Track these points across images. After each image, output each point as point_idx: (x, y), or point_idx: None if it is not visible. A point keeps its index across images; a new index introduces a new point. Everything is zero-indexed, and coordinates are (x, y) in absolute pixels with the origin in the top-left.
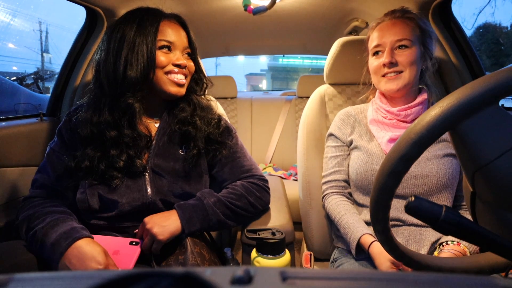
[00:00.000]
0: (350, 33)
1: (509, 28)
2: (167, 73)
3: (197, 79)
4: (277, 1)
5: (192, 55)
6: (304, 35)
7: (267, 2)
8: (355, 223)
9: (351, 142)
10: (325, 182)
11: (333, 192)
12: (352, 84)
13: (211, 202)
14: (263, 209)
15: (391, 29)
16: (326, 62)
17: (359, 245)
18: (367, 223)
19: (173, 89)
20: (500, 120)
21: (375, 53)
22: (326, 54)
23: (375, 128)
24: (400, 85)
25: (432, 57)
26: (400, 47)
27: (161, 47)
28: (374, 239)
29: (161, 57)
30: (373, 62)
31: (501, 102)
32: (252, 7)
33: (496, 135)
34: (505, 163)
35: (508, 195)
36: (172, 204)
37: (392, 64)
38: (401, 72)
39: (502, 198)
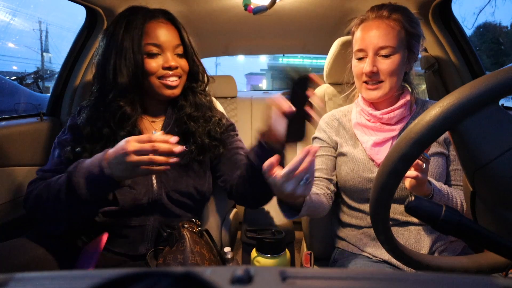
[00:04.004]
0: (350, 33)
1: (509, 28)
2: (160, 77)
3: (195, 77)
4: (277, 1)
5: (186, 53)
6: (304, 34)
7: (267, 2)
8: None
9: (336, 144)
10: None
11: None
12: (352, 83)
13: None
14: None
15: (375, 33)
16: (326, 61)
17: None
18: (361, 227)
19: (167, 92)
20: (500, 119)
21: (358, 57)
22: (326, 53)
23: (359, 132)
24: (380, 94)
25: (417, 59)
26: (382, 55)
27: (150, 54)
28: None
29: (151, 63)
30: (356, 66)
31: (501, 101)
32: (252, 6)
33: (496, 135)
34: (505, 162)
35: (508, 195)
36: (178, 200)
37: (373, 73)
38: (381, 81)
39: (502, 197)
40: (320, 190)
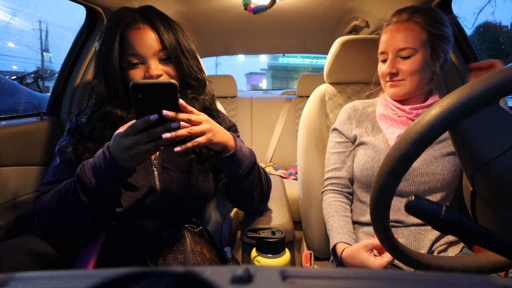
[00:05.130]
0: (350, 32)
1: (509, 27)
2: None
3: (187, 80)
4: (277, 0)
5: (171, 57)
6: (304, 34)
7: (267, 1)
8: (338, 228)
9: (355, 138)
10: (326, 179)
11: (331, 190)
12: (352, 83)
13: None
14: (266, 194)
15: (395, 36)
16: (326, 61)
17: (335, 250)
18: (362, 224)
19: None
20: (500, 119)
21: (381, 59)
22: (326, 53)
23: (383, 123)
24: (403, 92)
25: (447, 58)
26: (403, 56)
27: (130, 64)
28: (345, 247)
29: (134, 73)
30: (380, 67)
31: None
32: (252, 6)
33: (496, 134)
34: (505, 162)
35: (508, 194)
36: (180, 201)
37: (392, 74)
38: (402, 80)
39: (502, 197)
40: (347, 205)
